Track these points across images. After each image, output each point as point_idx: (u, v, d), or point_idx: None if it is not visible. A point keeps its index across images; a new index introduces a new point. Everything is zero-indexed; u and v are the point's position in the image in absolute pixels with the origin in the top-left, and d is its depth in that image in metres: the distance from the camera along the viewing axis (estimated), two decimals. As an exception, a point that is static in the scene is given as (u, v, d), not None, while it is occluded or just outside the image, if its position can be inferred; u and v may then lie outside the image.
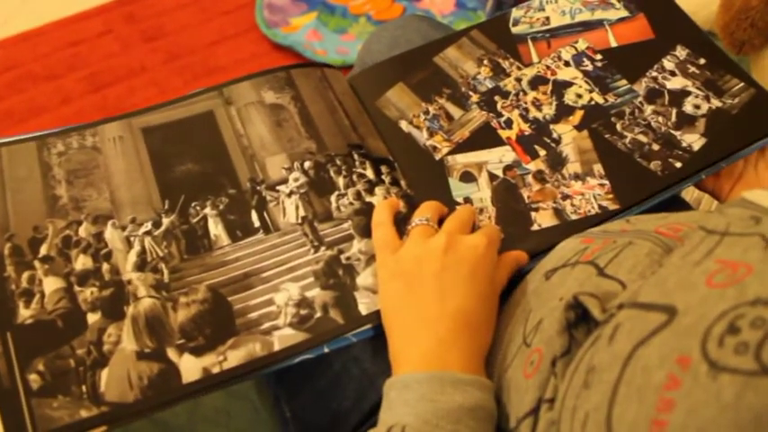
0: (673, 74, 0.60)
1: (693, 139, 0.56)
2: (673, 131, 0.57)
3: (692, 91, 0.59)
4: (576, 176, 0.56)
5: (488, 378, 0.43)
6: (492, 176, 0.57)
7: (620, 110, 0.59)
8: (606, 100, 0.60)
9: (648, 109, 0.58)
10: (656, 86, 0.60)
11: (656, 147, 0.56)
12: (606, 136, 0.57)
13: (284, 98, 0.62)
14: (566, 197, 0.54)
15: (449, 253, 0.45)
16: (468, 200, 0.56)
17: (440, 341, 0.42)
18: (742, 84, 0.59)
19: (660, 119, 0.57)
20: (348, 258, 0.51)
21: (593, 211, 0.53)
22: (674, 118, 0.58)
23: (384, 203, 0.52)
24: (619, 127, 0.58)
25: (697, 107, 0.57)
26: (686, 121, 0.57)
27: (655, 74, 0.61)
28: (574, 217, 0.53)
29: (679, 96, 0.59)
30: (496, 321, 0.46)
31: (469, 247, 0.45)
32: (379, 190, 0.56)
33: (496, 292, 0.46)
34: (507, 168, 0.57)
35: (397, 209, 0.52)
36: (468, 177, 0.57)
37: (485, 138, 0.59)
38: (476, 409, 0.39)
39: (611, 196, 0.54)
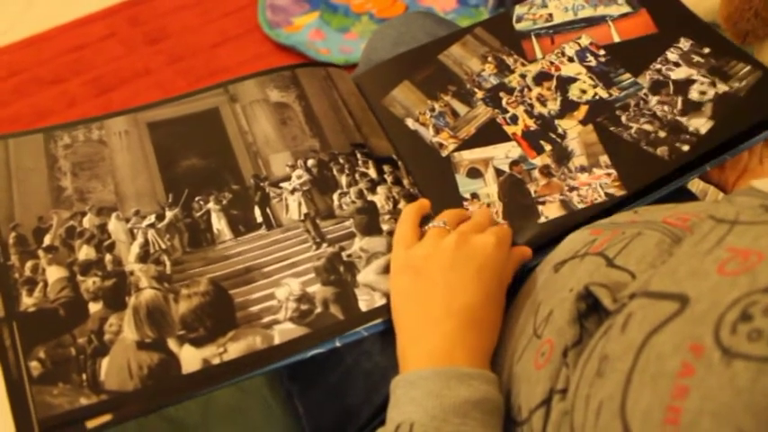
0: (677, 65, 0.60)
1: (700, 124, 0.55)
2: (679, 118, 0.56)
3: (698, 78, 0.59)
4: (582, 169, 0.55)
5: (499, 370, 0.43)
6: (498, 172, 0.57)
7: (625, 103, 0.59)
8: (610, 94, 0.60)
9: (654, 100, 0.58)
10: (661, 78, 0.60)
11: (662, 134, 0.55)
12: (611, 128, 0.57)
13: (289, 97, 0.62)
14: (572, 189, 0.54)
15: (457, 251, 0.45)
16: (474, 195, 0.56)
17: (446, 338, 0.42)
18: (749, 67, 0.58)
19: (666, 107, 0.57)
20: (349, 256, 0.51)
21: (599, 198, 0.53)
22: (679, 105, 0.57)
23: (413, 204, 0.53)
24: (624, 119, 0.58)
25: (703, 93, 0.56)
26: (692, 108, 0.57)
27: (659, 66, 0.60)
28: (580, 206, 0.53)
29: (684, 85, 0.59)
30: (506, 315, 0.46)
31: (478, 245, 0.45)
32: (381, 189, 0.56)
33: (503, 290, 0.46)
34: (513, 164, 0.57)
35: (425, 211, 0.52)
36: (474, 173, 0.57)
37: (491, 134, 0.59)
38: (482, 401, 0.39)
39: (617, 183, 0.54)
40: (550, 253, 0.47)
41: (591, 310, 0.37)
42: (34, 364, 0.44)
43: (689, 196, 0.64)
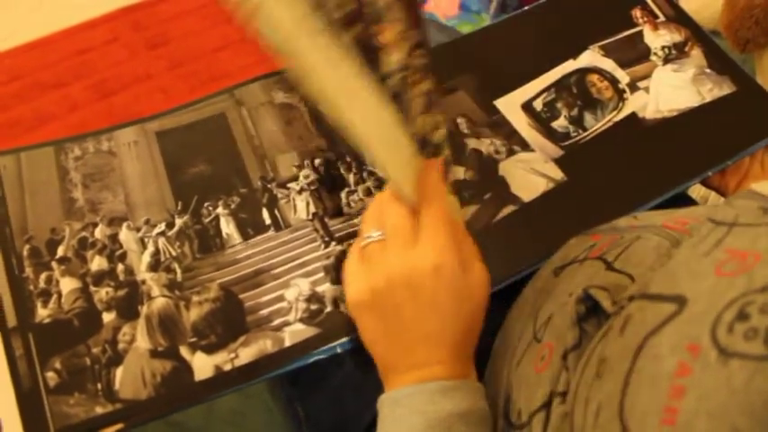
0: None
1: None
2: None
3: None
4: None
5: (498, 375, 0.43)
6: None
7: None
8: None
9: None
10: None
11: None
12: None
13: (294, 97, 0.62)
14: None
15: (406, 287, 0.40)
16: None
17: (419, 362, 0.41)
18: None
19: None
20: None
21: None
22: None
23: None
24: None
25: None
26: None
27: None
28: None
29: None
30: (506, 319, 0.46)
31: (419, 276, 0.40)
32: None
33: (472, 297, 0.42)
34: None
35: None
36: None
37: None
38: (467, 413, 0.39)
39: None
40: (550, 258, 0.47)
41: (590, 313, 0.37)
42: (50, 374, 0.45)
43: (689, 203, 0.65)
